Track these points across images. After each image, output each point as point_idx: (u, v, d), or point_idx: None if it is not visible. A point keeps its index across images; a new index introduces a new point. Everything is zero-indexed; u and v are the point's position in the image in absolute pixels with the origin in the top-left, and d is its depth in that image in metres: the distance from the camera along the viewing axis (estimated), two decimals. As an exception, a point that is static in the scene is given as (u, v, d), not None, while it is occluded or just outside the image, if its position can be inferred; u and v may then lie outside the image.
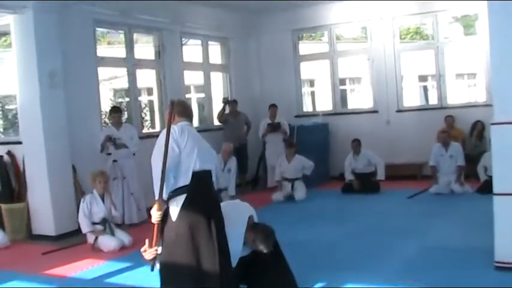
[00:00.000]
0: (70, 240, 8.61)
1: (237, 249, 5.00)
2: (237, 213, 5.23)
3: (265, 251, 5.13)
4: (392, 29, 12.96)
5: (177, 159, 4.56)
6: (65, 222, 8.95)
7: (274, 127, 12.55)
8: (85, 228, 8.18)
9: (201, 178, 4.59)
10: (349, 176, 11.57)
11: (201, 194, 4.56)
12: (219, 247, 4.54)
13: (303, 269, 6.14)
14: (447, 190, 10.52)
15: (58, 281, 6.61)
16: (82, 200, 8.31)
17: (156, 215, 4.62)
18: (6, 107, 16.46)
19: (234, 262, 4.98)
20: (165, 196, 4.57)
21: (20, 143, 9.29)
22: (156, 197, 4.60)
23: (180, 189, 4.54)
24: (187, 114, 5.00)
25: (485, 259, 6.02)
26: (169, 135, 4.53)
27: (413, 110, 13.45)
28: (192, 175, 4.54)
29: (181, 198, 4.53)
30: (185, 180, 4.54)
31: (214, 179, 4.86)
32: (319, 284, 5.82)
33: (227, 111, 12.63)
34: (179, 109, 4.95)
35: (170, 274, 4.50)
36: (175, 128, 4.66)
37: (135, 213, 9.65)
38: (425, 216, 8.85)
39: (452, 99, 13.51)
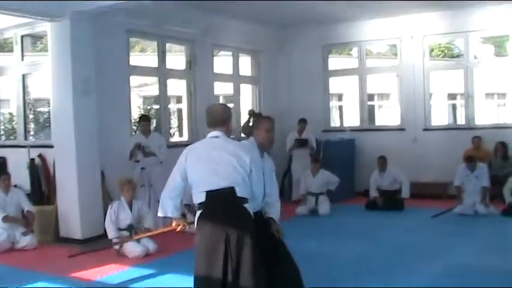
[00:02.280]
0: (96, 245, 8.71)
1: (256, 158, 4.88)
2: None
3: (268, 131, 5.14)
4: (423, 47, 12.98)
5: (179, 186, 4.78)
6: (91, 226, 9.11)
7: (301, 143, 12.61)
8: (111, 233, 8.30)
9: (215, 197, 4.56)
10: (373, 193, 11.59)
11: (213, 212, 4.57)
12: (236, 262, 4.47)
13: (324, 283, 6.20)
14: (472, 211, 10.46)
15: (84, 284, 6.75)
16: (110, 206, 8.45)
17: (179, 227, 5.03)
18: (39, 109, 16.75)
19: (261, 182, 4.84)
20: (159, 214, 4.99)
21: (52, 146, 9.50)
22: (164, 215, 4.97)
23: (200, 204, 4.64)
24: (213, 122, 4.81)
25: (508, 281, 6.03)
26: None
27: (441, 129, 13.45)
28: (206, 194, 4.57)
29: (199, 213, 4.65)
30: (201, 197, 4.61)
31: (241, 190, 4.63)
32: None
33: (251, 123, 12.70)
34: (206, 118, 4.87)
35: (197, 282, 4.60)
36: (186, 152, 4.78)
37: (161, 220, 9.73)
38: (449, 236, 8.84)
39: (481, 120, 13.44)
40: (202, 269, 4.52)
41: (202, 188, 4.59)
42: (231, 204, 4.61)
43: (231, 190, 4.58)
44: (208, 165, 4.61)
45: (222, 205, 4.57)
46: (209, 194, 4.56)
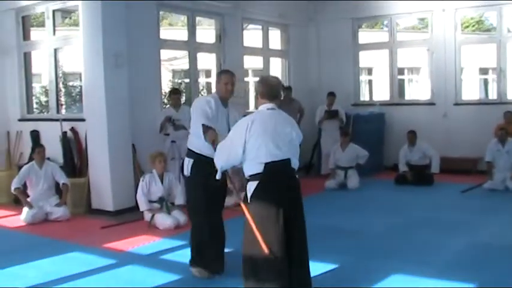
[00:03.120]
0: (127, 217, 8.88)
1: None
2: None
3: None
4: (454, 20, 12.79)
5: (238, 158, 4.66)
6: (123, 198, 9.25)
7: (331, 114, 12.60)
8: (143, 206, 8.42)
9: (272, 169, 4.56)
10: (403, 168, 11.55)
11: (271, 184, 4.56)
12: (291, 235, 4.54)
13: (352, 257, 6.25)
14: (502, 186, 10.40)
15: (116, 255, 6.87)
16: (142, 178, 8.57)
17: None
18: (70, 83, 16.95)
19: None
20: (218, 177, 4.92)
21: (84, 120, 9.62)
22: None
23: (254, 176, 4.60)
24: (272, 95, 4.81)
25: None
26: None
27: (472, 104, 13.29)
28: (265, 165, 4.55)
29: (254, 184, 4.59)
30: (259, 168, 4.57)
31: (295, 162, 4.76)
32: (367, 273, 5.89)
33: (282, 97, 12.69)
34: (263, 89, 4.80)
35: (246, 252, 4.63)
36: (248, 123, 4.62)
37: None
38: (477, 212, 8.81)
39: (513, 95, 13.30)
40: (253, 237, 4.50)
41: (261, 159, 4.55)
42: (289, 175, 4.70)
43: (288, 162, 4.67)
44: (272, 136, 4.59)
45: (282, 176, 4.63)
46: (268, 165, 4.55)
